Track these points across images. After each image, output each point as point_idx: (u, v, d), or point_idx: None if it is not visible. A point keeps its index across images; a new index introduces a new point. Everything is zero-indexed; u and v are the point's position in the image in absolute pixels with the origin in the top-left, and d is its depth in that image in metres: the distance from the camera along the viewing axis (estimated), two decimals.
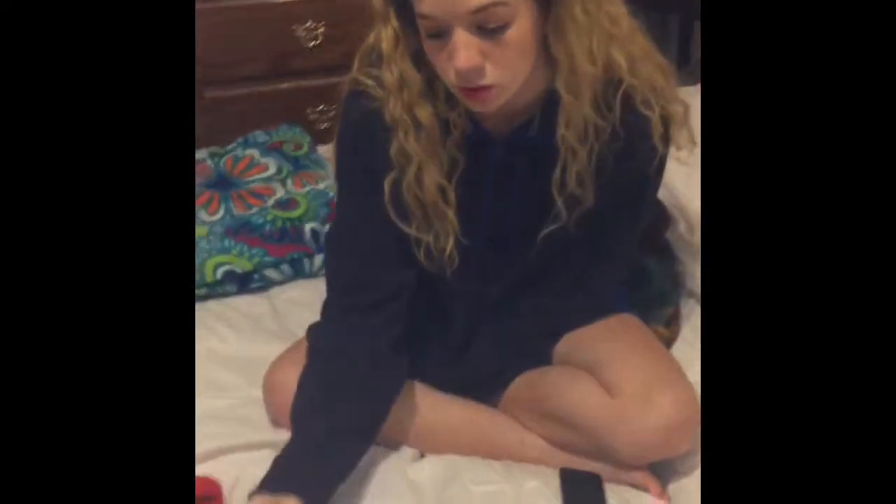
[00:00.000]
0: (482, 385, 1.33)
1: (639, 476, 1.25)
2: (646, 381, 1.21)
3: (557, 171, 1.16)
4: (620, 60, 1.11)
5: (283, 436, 1.29)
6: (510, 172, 1.22)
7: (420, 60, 1.11)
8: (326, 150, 1.96)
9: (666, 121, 1.17)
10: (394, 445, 1.31)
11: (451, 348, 1.35)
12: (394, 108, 1.14)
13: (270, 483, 1.13)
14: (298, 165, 1.85)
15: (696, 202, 1.56)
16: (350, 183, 1.26)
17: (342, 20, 2.07)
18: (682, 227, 1.57)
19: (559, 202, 1.18)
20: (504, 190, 1.23)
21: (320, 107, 2.16)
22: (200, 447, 1.28)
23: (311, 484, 1.13)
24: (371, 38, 1.15)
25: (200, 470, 1.24)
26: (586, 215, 1.20)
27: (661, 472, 1.27)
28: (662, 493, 1.25)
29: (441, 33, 1.03)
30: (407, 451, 1.30)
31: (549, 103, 1.14)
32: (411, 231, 1.20)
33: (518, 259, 1.27)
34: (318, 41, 2.11)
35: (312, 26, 2.10)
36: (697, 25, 2.39)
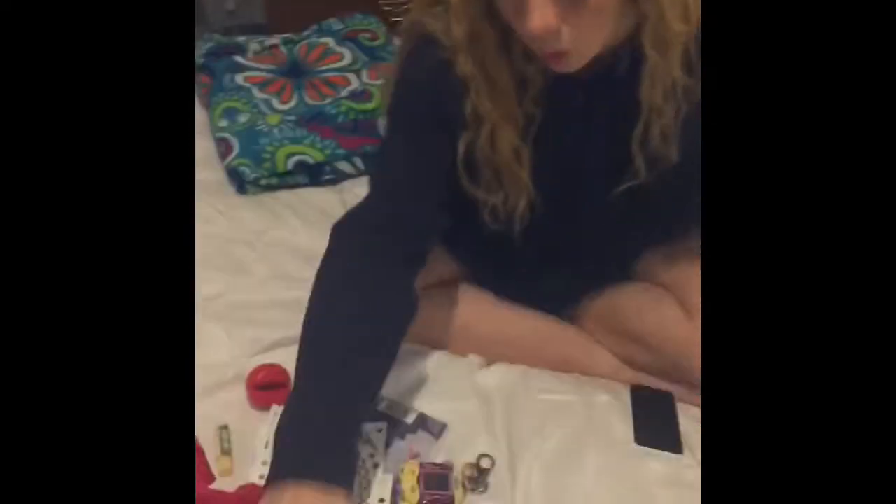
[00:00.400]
0: (557, 299, 1.32)
1: None
2: None
3: (640, 128, 1.07)
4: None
5: None
6: (589, 119, 1.12)
7: (492, 12, 0.98)
8: None
9: None
10: (461, 353, 1.30)
11: (523, 269, 1.32)
12: (464, 64, 1.03)
13: (305, 471, 0.96)
14: (374, 56, 1.81)
15: None
16: (409, 128, 1.14)
17: None
18: None
19: (638, 160, 1.09)
20: (582, 139, 1.14)
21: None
22: (268, 336, 1.29)
23: (345, 468, 1.02)
24: None
25: (267, 358, 1.25)
26: (668, 172, 1.11)
27: None
28: None
29: None
30: (474, 360, 1.29)
31: (637, 47, 1.02)
32: (479, 193, 1.12)
33: (590, 213, 1.21)
34: None
35: None
36: None
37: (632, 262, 1.32)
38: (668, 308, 1.24)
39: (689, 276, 1.25)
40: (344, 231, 1.15)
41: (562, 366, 1.30)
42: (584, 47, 0.97)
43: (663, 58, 1.00)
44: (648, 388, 1.26)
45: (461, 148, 1.09)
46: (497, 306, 1.31)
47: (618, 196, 1.14)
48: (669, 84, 1.02)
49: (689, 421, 1.22)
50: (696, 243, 1.30)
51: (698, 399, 1.25)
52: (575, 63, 0.99)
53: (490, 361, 1.30)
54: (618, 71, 1.05)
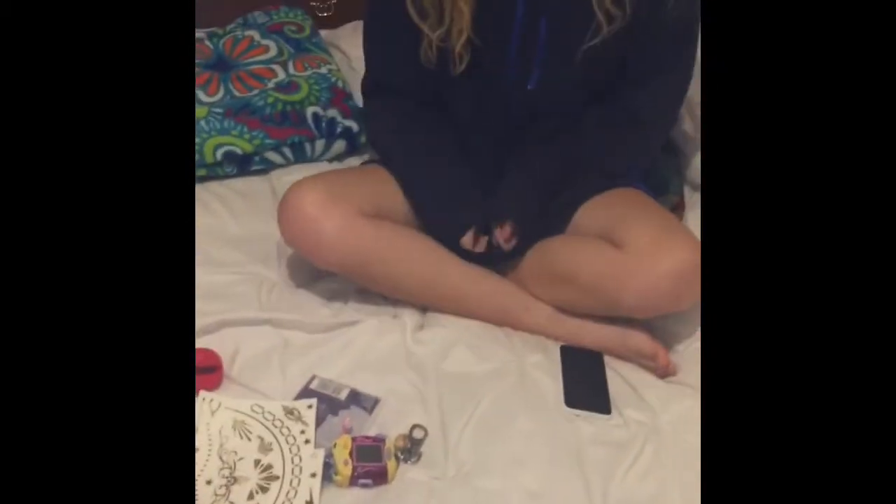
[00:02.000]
0: (494, 253, 1.33)
1: (643, 340, 1.27)
2: (654, 235, 1.23)
3: None
4: None
5: (279, 314, 1.31)
6: None
7: None
8: (328, 35, 1.92)
9: None
10: (398, 300, 1.32)
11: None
12: None
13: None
14: (300, 48, 1.81)
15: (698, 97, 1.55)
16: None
17: None
18: (686, 123, 1.56)
19: (599, 13, 1.22)
20: (535, 7, 1.25)
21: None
22: (200, 321, 1.29)
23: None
24: None
25: (201, 343, 1.25)
26: (621, 46, 1.25)
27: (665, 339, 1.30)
28: (667, 357, 1.27)
29: None
30: (408, 321, 1.30)
31: None
32: (423, 26, 1.25)
33: (553, 77, 1.30)
34: None
35: None
36: None
37: (570, 212, 1.35)
38: (600, 246, 1.27)
39: (620, 216, 1.29)
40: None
41: (498, 318, 1.32)
42: None
43: None
44: (578, 348, 1.28)
45: None
46: (441, 256, 1.33)
47: (581, 67, 1.26)
48: None
49: (618, 380, 1.24)
50: (623, 190, 1.35)
51: (631, 342, 1.27)
52: None
53: (424, 317, 1.32)
54: None
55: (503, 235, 1.30)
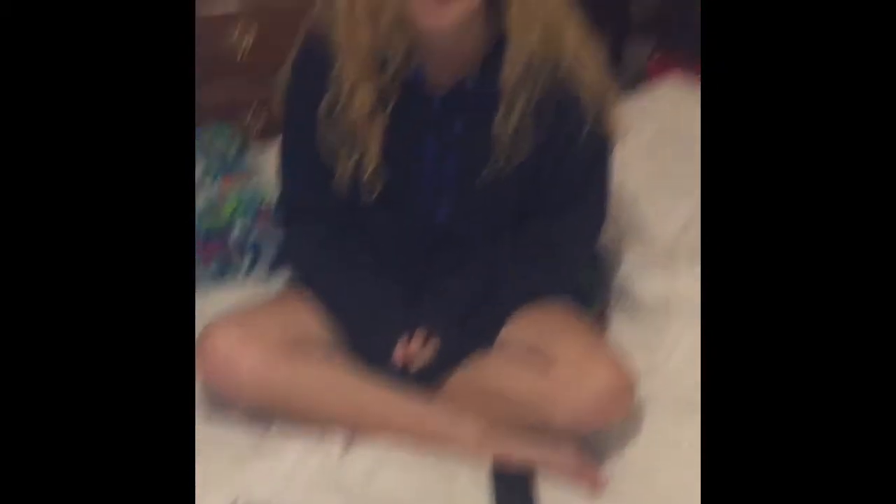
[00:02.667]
0: (421, 371, 1.32)
1: (571, 455, 1.26)
2: (581, 351, 1.26)
3: (499, 114, 1.27)
4: (563, 32, 1.24)
5: (204, 435, 1.26)
6: (450, 129, 1.32)
7: None
8: (257, 152, 1.93)
9: (598, 100, 1.28)
10: (324, 427, 1.29)
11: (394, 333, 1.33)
12: (338, 32, 1.26)
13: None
14: (228, 165, 1.81)
15: (623, 207, 1.59)
16: (294, 105, 1.35)
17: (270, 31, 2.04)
18: (610, 232, 1.59)
19: (498, 148, 1.27)
20: (445, 143, 1.32)
21: (252, 108, 2.12)
22: None
23: None
24: None
25: None
26: (529, 180, 1.31)
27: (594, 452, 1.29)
28: (595, 472, 1.26)
29: None
30: (335, 443, 1.27)
31: (491, 54, 1.27)
32: (336, 153, 1.30)
33: (463, 210, 1.34)
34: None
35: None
36: (631, 40, 2.43)
37: (496, 328, 1.35)
38: (528, 363, 1.28)
39: (546, 332, 1.31)
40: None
41: (426, 438, 1.29)
42: (465, 4, 1.17)
43: (525, 34, 1.22)
44: (509, 466, 1.25)
45: (323, 107, 1.29)
46: (363, 380, 1.32)
47: (484, 196, 1.32)
48: (525, 64, 1.24)
49: (547, 498, 1.22)
50: (548, 305, 1.36)
51: (560, 458, 1.26)
52: (455, 11, 1.16)
53: (352, 438, 1.29)
54: (472, 80, 1.29)
55: (416, 346, 1.29)
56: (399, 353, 1.30)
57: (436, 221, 1.36)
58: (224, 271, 1.66)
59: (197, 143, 1.84)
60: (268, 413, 1.31)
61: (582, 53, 1.28)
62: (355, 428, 1.29)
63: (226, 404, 1.33)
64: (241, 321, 1.32)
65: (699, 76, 1.88)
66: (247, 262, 1.66)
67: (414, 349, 1.29)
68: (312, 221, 1.40)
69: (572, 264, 1.42)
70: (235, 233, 1.66)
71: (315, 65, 1.30)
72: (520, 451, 1.27)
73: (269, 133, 2.04)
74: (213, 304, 1.57)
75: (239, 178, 1.77)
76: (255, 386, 1.27)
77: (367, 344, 1.34)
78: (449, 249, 1.37)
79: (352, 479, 1.22)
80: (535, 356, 1.28)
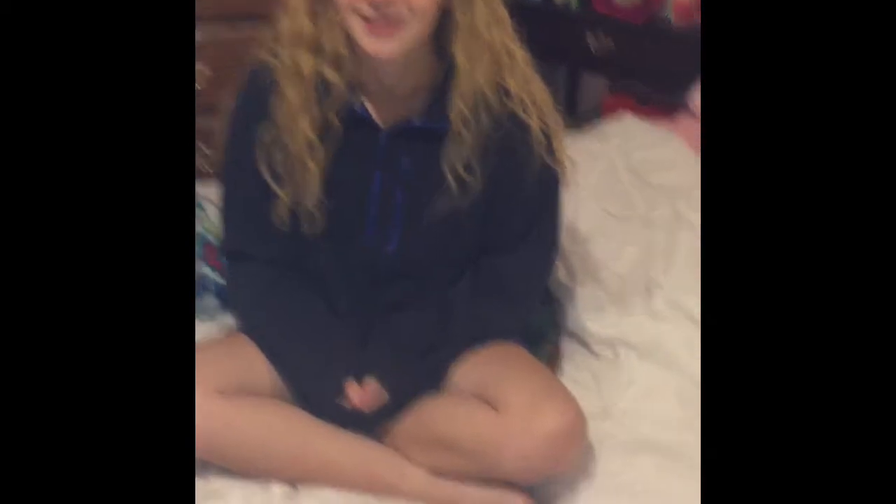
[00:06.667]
0: (367, 416, 1.28)
1: (521, 502, 1.23)
2: (531, 395, 1.22)
3: (447, 152, 1.25)
4: (511, 66, 1.23)
5: None
6: (397, 163, 1.29)
7: (315, 15, 1.21)
8: (202, 189, 1.89)
9: (547, 134, 1.27)
10: (265, 477, 1.25)
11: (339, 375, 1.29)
12: (282, 59, 1.24)
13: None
14: None
15: (574, 247, 1.58)
16: (236, 137, 1.33)
17: (228, 64, 2.02)
18: (561, 272, 1.57)
19: (449, 182, 1.25)
20: (392, 177, 1.30)
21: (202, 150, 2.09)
22: None
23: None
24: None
25: None
26: (478, 216, 1.29)
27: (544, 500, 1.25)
28: None
29: None
30: (277, 492, 1.23)
31: (437, 89, 1.25)
32: (276, 187, 1.27)
33: (411, 245, 1.31)
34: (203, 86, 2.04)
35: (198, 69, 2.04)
36: (585, 77, 2.43)
37: (445, 369, 1.32)
38: (477, 408, 1.24)
39: (496, 375, 1.28)
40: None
41: (372, 486, 1.25)
42: (415, 24, 1.16)
43: (473, 65, 1.21)
44: None
45: (264, 137, 1.26)
46: (307, 426, 1.28)
47: (435, 234, 1.30)
48: (473, 97, 1.23)
49: None
50: (498, 346, 1.34)
51: (514, 501, 1.23)
52: (400, 43, 1.16)
53: (295, 488, 1.24)
54: (418, 117, 1.27)
55: (366, 393, 1.26)
56: (351, 395, 1.26)
57: (382, 257, 1.32)
58: None
59: None
60: (206, 461, 1.25)
61: (531, 86, 1.27)
62: (299, 476, 1.25)
63: None
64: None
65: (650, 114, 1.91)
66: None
67: (368, 395, 1.26)
68: (254, 264, 1.36)
69: (525, 301, 1.40)
70: None
71: (258, 93, 1.28)
72: (468, 499, 1.24)
73: (219, 167, 2.01)
74: None
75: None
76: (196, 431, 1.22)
77: (311, 389, 1.30)
78: (396, 286, 1.34)
79: None
80: (485, 399, 1.24)
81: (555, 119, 1.29)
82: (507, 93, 1.26)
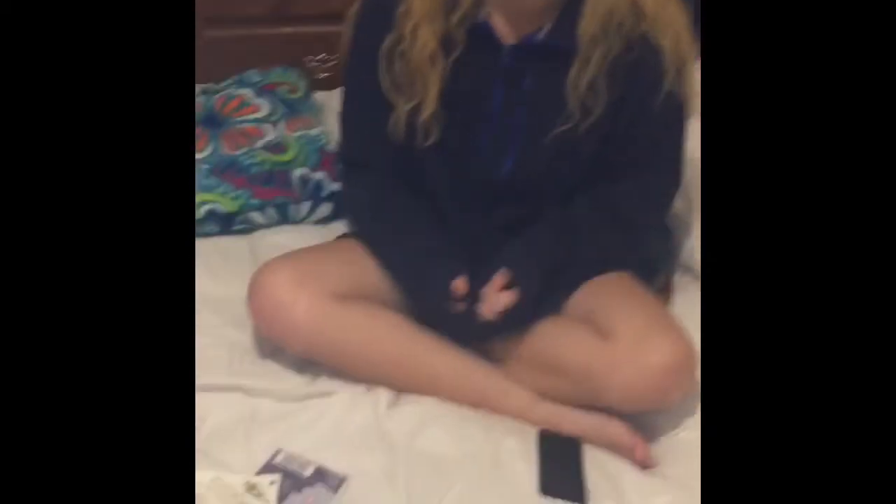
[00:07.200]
0: (479, 334, 1.29)
1: (622, 431, 1.22)
2: (641, 326, 1.20)
3: (573, 72, 1.22)
4: None
5: (249, 381, 1.26)
6: (518, 82, 1.26)
7: None
8: (323, 97, 1.91)
9: (679, 59, 1.22)
10: (372, 382, 1.27)
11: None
12: None
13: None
14: (293, 109, 1.79)
15: (693, 178, 1.53)
16: (358, 46, 1.32)
17: None
18: (678, 203, 1.53)
19: (571, 103, 1.22)
20: (513, 95, 1.27)
21: (321, 55, 2.10)
22: None
23: None
24: None
25: None
26: (600, 139, 1.26)
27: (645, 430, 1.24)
28: (646, 451, 1.21)
29: None
30: (382, 397, 1.25)
31: (568, 5, 1.22)
32: (395, 96, 1.26)
33: (528, 165, 1.29)
34: None
35: None
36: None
37: (567, 292, 1.31)
38: (586, 334, 1.23)
39: (606, 303, 1.26)
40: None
41: (475, 401, 1.26)
42: None
43: None
44: (556, 433, 1.23)
45: (385, 47, 1.26)
46: (415, 336, 1.29)
47: (554, 155, 1.27)
48: (604, 16, 1.20)
49: (596, 469, 1.19)
50: (610, 276, 1.32)
51: (609, 430, 1.22)
52: None
53: (399, 394, 1.26)
54: (543, 33, 1.24)
55: (497, 286, 1.22)
56: (460, 284, 1.23)
57: (498, 175, 1.31)
58: (284, 214, 1.64)
59: (260, 85, 1.83)
60: (316, 361, 1.29)
61: (667, 10, 1.22)
62: (403, 384, 1.27)
63: (276, 349, 1.32)
64: (297, 264, 1.30)
65: None
66: (307, 206, 1.65)
67: (496, 290, 1.22)
68: (369, 171, 1.37)
69: (644, 232, 1.37)
70: (296, 177, 1.64)
71: (383, 2, 1.27)
72: (570, 424, 1.24)
73: (336, 78, 2.02)
74: (270, 246, 1.56)
75: (303, 122, 1.75)
76: (308, 330, 1.25)
77: (422, 293, 1.30)
78: (508, 205, 1.33)
79: (396, 436, 1.20)
80: (592, 326, 1.23)
81: (689, 45, 1.24)
82: (641, 13, 1.21)
